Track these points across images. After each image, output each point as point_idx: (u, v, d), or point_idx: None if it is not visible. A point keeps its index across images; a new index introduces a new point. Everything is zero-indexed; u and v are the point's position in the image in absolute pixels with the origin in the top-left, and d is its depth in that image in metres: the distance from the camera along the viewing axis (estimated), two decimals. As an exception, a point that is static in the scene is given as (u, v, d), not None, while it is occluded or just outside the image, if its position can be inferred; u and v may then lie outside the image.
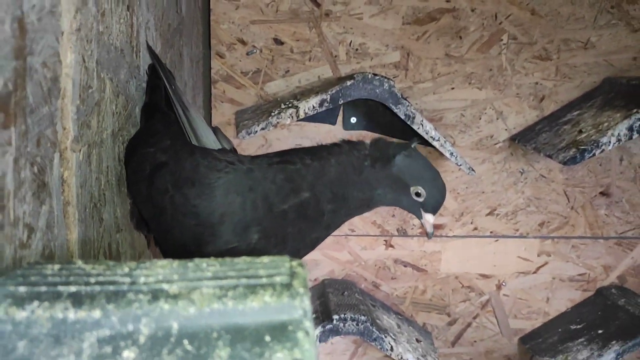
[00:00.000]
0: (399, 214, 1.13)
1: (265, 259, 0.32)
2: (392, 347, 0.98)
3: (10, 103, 0.33)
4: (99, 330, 0.28)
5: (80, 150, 0.43)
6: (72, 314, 0.28)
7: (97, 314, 0.28)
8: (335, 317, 0.96)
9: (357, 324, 0.96)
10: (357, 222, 1.13)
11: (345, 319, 0.96)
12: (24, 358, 0.27)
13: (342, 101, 0.89)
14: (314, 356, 0.27)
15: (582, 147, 0.93)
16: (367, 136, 1.10)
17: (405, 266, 1.15)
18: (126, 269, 0.31)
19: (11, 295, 0.29)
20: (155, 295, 0.29)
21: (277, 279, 0.30)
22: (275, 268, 0.31)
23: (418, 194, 0.50)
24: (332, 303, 1.01)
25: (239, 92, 1.06)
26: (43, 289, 0.29)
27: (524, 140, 1.08)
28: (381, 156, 0.50)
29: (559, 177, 1.14)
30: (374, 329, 0.97)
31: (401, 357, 0.98)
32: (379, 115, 1.05)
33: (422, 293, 1.17)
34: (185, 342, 0.28)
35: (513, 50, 1.08)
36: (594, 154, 0.92)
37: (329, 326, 0.96)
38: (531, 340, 1.18)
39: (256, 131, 0.90)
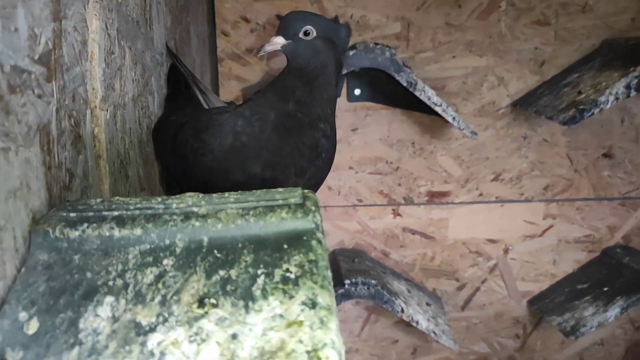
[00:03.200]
0: (405, 183, 1.17)
1: (280, 189, 0.36)
2: (402, 309, 1.02)
3: (51, 60, 0.37)
4: (140, 245, 0.32)
5: (107, 109, 0.47)
6: (117, 232, 0.32)
7: (138, 231, 0.32)
8: (347, 281, 1.00)
9: (369, 288, 1.00)
10: (365, 193, 1.17)
11: (356, 284, 1.00)
12: (80, 268, 0.31)
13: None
14: (325, 258, 0.31)
15: (581, 107, 0.95)
16: (372, 107, 1.13)
17: (413, 234, 1.19)
18: (159, 199, 0.35)
19: (64, 220, 0.33)
20: (187, 215, 0.33)
21: (292, 200, 0.34)
22: (289, 193, 0.35)
23: (307, 33, 0.55)
24: (343, 269, 1.05)
25: (245, 70, 1.09)
26: (90, 214, 0.33)
27: (526, 104, 1.10)
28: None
29: (561, 140, 1.16)
30: (384, 292, 1.01)
31: (412, 319, 1.02)
32: (382, 85, 1.08)
33: (430, 260, 1.21)
34: (215, 251, 0.32)
35: (512, 16, 1.10)
36: (593, 113, 0.95)
37: (341, 291, 1.00)
38: (539, 301, 1.22)
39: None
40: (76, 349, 0.26)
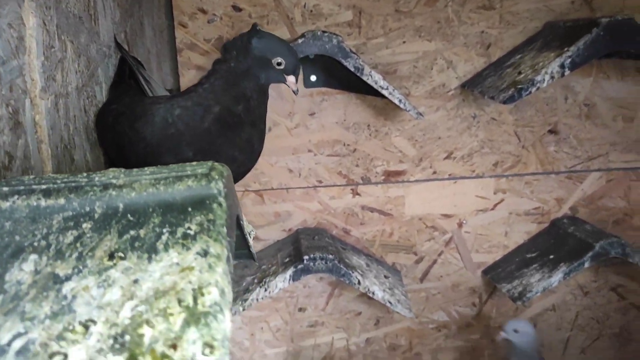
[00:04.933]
0: (362, 164, 1.23)
1: (194, 163, 0.42)
2: (359, 281, 1.08)
3: (-16, 54, 0.42)
4: (64, 212, 0.38)
5: (47, 98, 0.52)
6: (43, 202, 0.38)
7: (62, 201, 0.38)
8: (306, 257, 1.07)
9: (326, 262, 1.07)
10: (324, 174, 1.22)
11: (314, 259, 1.07)
12: (9, 232, 0.36)
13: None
14: (223, 218, 0.37)
15: (520, 87, 1.01)
16: (328, 92, 1.19)
17: (372, 212, 1.25)
18: (85, 175, 0.40)
19: (-3, 193, 0.38)
20: (106, 186, 0.38)
21: (199, 171, 0.40)
22: (199, 165, 0.41)
23: (279, 64, 0.61)
24: (304, 246, 1.11)
25: (204, 59, 1.13)
26: (21, 187, 0.39)
27: (473, 86, 1.16)
28: (239, 51, 0.60)
29: (509, 118, 1.23)
30: (341, 266, 1.07)
31: (368, 290, 1.09)
32: (336, 71, 1.13)
33: (389, 235, 1.27)
34: (129, 215, 0.37)
35: (458, 2, 1.15)
36: (530, 92, 1.01)
37: (300, 266, 1.06)
38: (492, 271, 1.30)
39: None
40: (0, 297, 0.31)
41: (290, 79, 0.62)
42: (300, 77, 1.17)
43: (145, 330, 0.29)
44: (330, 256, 1.07)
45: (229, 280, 0.33)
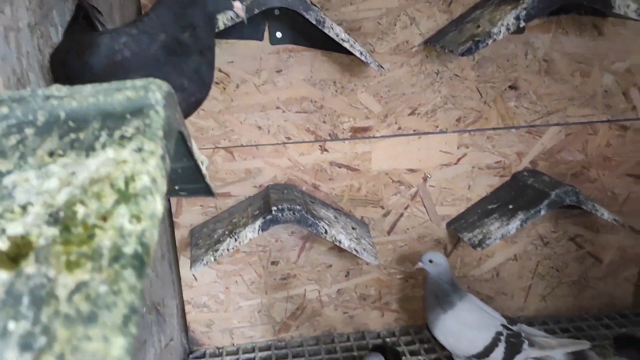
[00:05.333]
0: (329, 120, 1.25)
1: (135, 80, 0.44)
2: (326, 230, 1.13)
3: None
4: (8, 120, 0.40)
5: (-4, 30, 0.53)
6: (-13, 111, 0.40)
7: (5, 110, 0.40)
8: (274, 208, 1.10)
9: (294, 213, 1.11)
10: (293, 131, 1.25)
11: (282, 210, 1.10)
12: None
13: (256, 11, 0.98)
14: (159, 122, 0.40)
15: (477, 39, 1.04)
16: (294, 49, 1.20)
17: (340, 167, 1.29)
18: (30, 90, 0.42)
19: (-58, 104, 0.40)
20: (48, 97, 0.41)
21: (138, 84, 0.42)
22: (139, 81, 0.43)
23: None
24: (272, 199, 1.15)
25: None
26: (-34, 100, 0.41)
27: (434, 41, 1.19)
28: None
29: (471, 74, 1.26)
30: (309, 217, 1.11)
31: (335, 239, 1.14)
32: (301, 26, 1.14)
33: (357, 190, 1.31)
34: (70, 122, 0.40)
35: (420, -43, 1.17)
36: (487, 44, 1.04)
37: (268, 217, 1.10)
38: (456, 222, 1.35)
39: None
40: (-54, 187, 0.34)
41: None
42: (266, 34, 1.18)
43: (79, 208, 0.33)
44: (298, 207, 1.11)
45: (163, 174, 0.37)
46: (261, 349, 1.37)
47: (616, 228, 1.45)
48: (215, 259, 1.11)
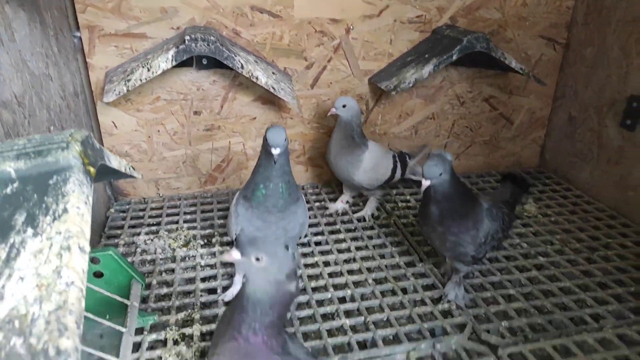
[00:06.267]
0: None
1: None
2: (242, 65, 1.13)
3: None
4: None
5: None
6: None
7: None
8: (187, 37, 1.08)
9: (208, 44, 1.09)
10: (210, -32, 1.20)
11: (196, 39, 1.09)
12: None
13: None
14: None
15: None
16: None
17: (261, 12, 1.27)
18: None
19: None
20: None
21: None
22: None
23: None
24: (187, 33, 1.12)
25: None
26: None
27: None
28: None
29: None
30: (224, 49, 1.11)
31: (252, 75, 1.14)
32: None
33: (279, 39, 1.31)
34: None
35: None
36: None
37: (182, 46, 1.08)
38: (376, 76, 1.39)
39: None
40: None
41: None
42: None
43: None
44: (212, 38, 1.09)
45: None
46: (187, 199, 1.40)
47: (527, 90, 1.54)
48: (128, 89, 1.09)
